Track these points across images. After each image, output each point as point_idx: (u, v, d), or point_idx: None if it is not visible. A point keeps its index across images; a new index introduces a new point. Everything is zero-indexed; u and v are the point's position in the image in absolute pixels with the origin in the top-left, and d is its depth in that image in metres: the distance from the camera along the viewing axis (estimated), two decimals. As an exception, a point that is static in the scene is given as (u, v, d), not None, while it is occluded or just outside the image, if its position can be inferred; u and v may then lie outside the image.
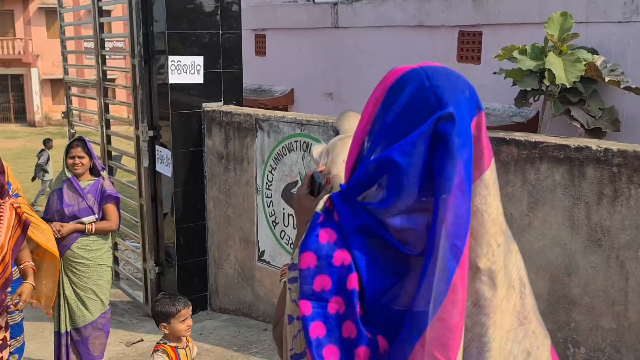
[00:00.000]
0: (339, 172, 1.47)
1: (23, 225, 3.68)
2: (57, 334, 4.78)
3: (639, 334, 3.61)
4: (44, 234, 4.37)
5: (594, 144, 3.72)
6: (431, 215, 1.16)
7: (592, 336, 3.77)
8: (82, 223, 4.61)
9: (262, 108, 8.04)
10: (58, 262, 4.45)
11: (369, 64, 7.99)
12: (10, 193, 4.36)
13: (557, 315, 3.89)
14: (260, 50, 10.14)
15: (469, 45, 6.92)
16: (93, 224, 4.61)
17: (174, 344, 3.43)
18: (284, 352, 1.28)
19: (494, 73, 5.59)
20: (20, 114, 34.38)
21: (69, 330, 4.74)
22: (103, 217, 4.71)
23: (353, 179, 1.25)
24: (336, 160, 1.52)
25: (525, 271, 1.31)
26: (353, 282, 1.18)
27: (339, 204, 1.24)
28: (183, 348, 3.47)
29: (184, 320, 3.41)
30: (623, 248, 3.60)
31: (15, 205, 3.71)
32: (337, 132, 1.63)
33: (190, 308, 3.50)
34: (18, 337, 4.57)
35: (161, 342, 3.46)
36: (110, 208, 4.70)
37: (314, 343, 1.17)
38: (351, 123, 1.57)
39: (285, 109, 9.20)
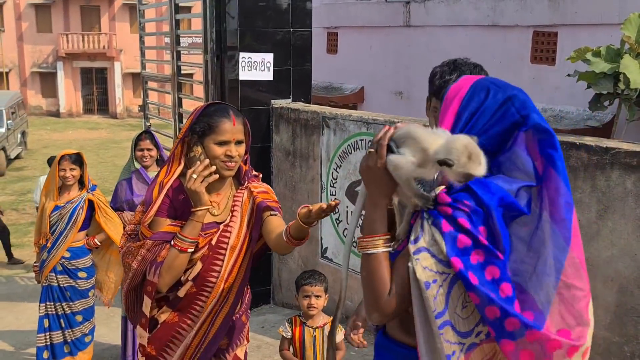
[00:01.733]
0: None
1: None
2: (125, 319, 4.97)
3: None
4: (116, 228, 4.60)
5: (669, 151, 3.56)
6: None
7: (661, 352, 3.62)
8: None
9: (331, 105, 8.09)
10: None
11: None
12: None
13: (625, 328, 3.76)
14: (332, 47, 10.19)
15: (544, 45, 6.73)
16: None
17: (305, 320, 3.54)
18: (426, 315, 1.54)
19: (568, 75, 5.43)
20: (103, 106, 35.80)
21: None
22: None
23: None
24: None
25: None
26: (483, 239, 1.51)
27: (481, 185, 1.55)
28: (312, 327, 3.54)
29: (307, 297, 3.49)
30: (697, 261, 3.44)
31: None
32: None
33: (319, 287, 3.54)
34: (91, 319, 4.79)
35: (297, 314, 3.61)
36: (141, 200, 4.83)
37: (478, 289, 1.48)
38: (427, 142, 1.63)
39: (355, 107, 9.22)
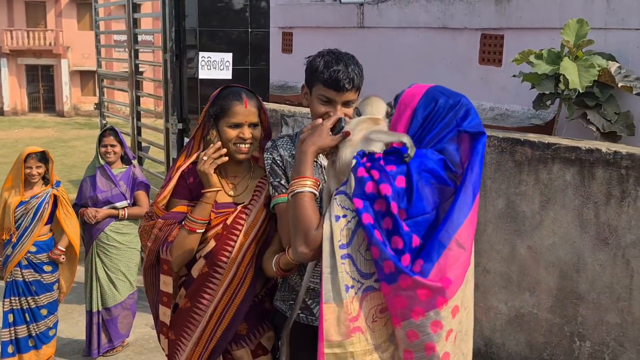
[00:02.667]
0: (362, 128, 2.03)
1: None
2: (89, 313, 5.06)
3: (642, 329, 3.77)
4: (74, 226, 4.72)
5: (604, 146, 3.87)
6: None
7: (598, 331, 3.93)
8: (115, 208, 4.89)
9: (287, 104, 8.24)
10: (76, 255, 4.83)
11: (393, 64, 8.16)
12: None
13: (565, 310, 4.06)
14: (287, 47, 10.36)
15: (491, 48, 7.06)
16: (126, 209, 4.89)
17: None
18: (332, 246, 1.79)
19: (514, 76, 5.74)
20: (50, 104, 35.04)
21: (100, 309, 5.01)
22: (134, 203, 4.97)
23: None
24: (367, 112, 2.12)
25: None
26: (386, 190, 1.75)
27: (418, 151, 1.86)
28: None
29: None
30: (629, 247, 3.75)
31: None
32: (359, 115, 2.06)
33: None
34: (55, 313, 4.86)
35: None
36: (142, 194, 4.97)
37: (367, 226, 1.72)
38: (374, 107, 2.06)
39: (309, 105, 9.38)
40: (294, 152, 2.37)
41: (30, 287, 4.64)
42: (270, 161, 2.39)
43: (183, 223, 2.36)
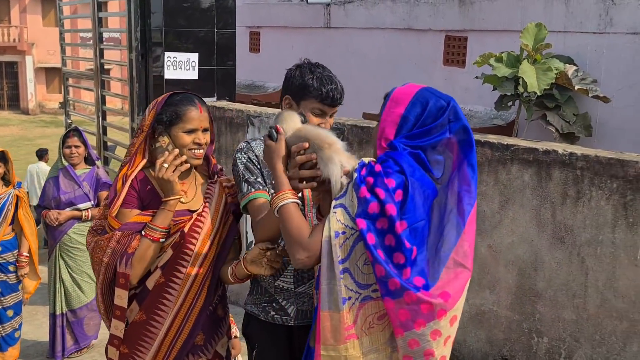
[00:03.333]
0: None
1: None
2: (53, 316, 5.01)
3: (596, 325, 3.89)
4: (31, 228, 4.70)
5: (560, 147, 3.98)
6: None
7: (555, 327, 4.05)
8: (78, 210, 4.86)
9: (254, 104, 8.27)
10: (35, 257, 4.81)
11: (359, 64, 8.24)
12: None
13: (524, 307, 4.16)
14: (255, 47, 10.38)
15: (455, 49, 7.19)
16: (89, 210, 4.86)
17: None
18: (332, 261, 1.87)
19: (476, 77, 5.85)
20: (14, 102, 34.43)
21: (64, 311, 4.98)
22: (98, 204, 4.95)
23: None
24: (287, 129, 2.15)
25: None
26: (391, 210, 1.81)
27: (406, 160, 1.90)
28: None
29: None
30: (584, 245, 3.87)
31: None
32: (276, 131, 2.12)
33: None
34: (20, 314, 4.83)
35: None
36: (105, 195, 4.94)
37: (371, 247, 1.80)
38: (290, 122, 2.13)
39: (277, 105, 9.44)
40: None
41: None
42: (245, 160, 2.46)
43: (144, 233, 2.32)
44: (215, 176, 2.54)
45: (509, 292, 4.23)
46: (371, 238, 1.81)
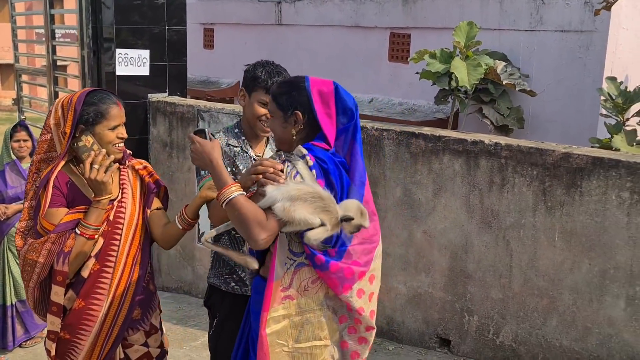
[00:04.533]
0: None
1: None
2: (3, 307, 5.09)
3: (520, 302, 4.19)
4: None
5: (487, 138, 4.26)
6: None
7: (484, 306, 4.34)
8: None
9: (208, 99, 8.41)
10: None
11: (310, 61, 8.46)
12: None
13: (456, 288, 4.44)
14: (209, 43, 10.51)
15: (399, 46, 7.46)
16: None
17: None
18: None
19: (416, 73, 6.12)
20: (-32, 99, 33.69)
21: (14, 302, 5.07)
22: None
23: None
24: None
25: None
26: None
27: (323, 154, 2.14)
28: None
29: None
30: (509, 229, 4.17)
31: None
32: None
33: None
34: None
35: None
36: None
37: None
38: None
39: (231, 100, 9.60)
40: (230, 142, 2.79)
41: None
42: None
43: (79, 232, 2.43)
44: (126, 161, 2.66)
45: (442, 275, 4.50)
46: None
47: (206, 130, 2.36)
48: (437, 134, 4.42)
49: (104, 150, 2.43)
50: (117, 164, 2.54)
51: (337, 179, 2.14)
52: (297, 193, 2.01)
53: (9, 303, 5.05)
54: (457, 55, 5.29)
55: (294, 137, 2.22)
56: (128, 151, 2.72)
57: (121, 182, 2.62)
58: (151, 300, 2.74)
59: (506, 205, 4.16)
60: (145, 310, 2.69)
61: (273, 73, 2.73)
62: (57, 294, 2.48)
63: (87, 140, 2.46)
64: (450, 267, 4.46)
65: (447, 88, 5.43)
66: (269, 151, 2.94)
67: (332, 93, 2.20)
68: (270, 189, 2.04)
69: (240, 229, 2.09)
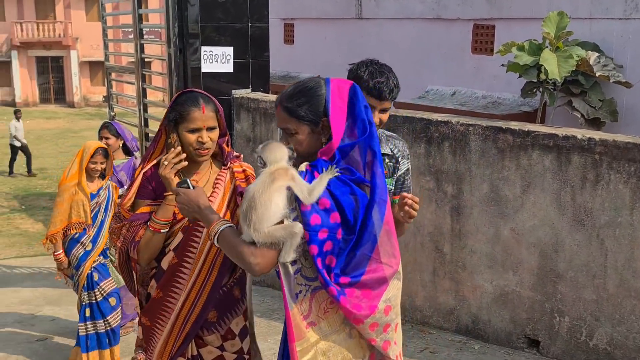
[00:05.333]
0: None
1: None
2: None
3: (615, 304, 4.01)
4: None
5: (579, 133, 4.10)
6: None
7: (575, 307, 4.18)
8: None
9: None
10: None
11: (391, 54, 8.37)
12: None
13: (545, 288, 4.31)
14: (289, 38, 10.59)
15: (483, 37, 7.27)
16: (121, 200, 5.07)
17: None
18: (286, 266, 2.00)
19: (502, 65, 5.95)
20: (60, 95, 35.38)
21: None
22: None
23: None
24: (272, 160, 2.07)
25: None
26: (335, 218, 1.96)
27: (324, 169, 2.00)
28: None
29: None
30: (603, 227, 4.00)
31: None
32: (264, 163, 2.05)
33: None
34: (109, 278, 4.72)
35: None
36: None
37: (319, 255, 1.94)
38: (276, 154, 2.05)
39: (311, 95, 9.64)
40: None
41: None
42: None
43: (148, 224, 2.51)
44: (229, 163, 2.66)
45: (531, 274, 4.37)
46: (314, 249, 1.95)
47: (188, 180, 2.34)
48: (526, 129, 4.28)
49: (178, 148, 2.46)
50: (185, 164, 2.47)
51: (347, 197, 2.00)
52: (261, 216, 1.97)
53: None
54: (547, 46, 5.10)
55: (323, 144, 2.08)
56: (236, 153, 2.72)
57: (215, 182, 2.61)
58: (232, 305, 2.71)
59: (600, 203, 3.99)
60: (223, 314, 2.68)
61: (376, 73, 2.61)
62: (135, 280, 2.64)
63: (172, 137, 2.52)
64: (539, 265, 4.32)
65: (534, 80, 5.25)
66: None
67: (348, 91, 2.06)
68: (244, 228, 2.00)
69: (233, 259, 2.07)
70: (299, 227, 1.94)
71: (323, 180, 1.96)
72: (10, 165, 17.72)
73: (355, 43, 8.87)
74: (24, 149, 17.84)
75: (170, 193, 2.46)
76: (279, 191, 1.97)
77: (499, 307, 4.56)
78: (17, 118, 18.13)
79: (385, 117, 2.67)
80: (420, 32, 8.05)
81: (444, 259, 4.80)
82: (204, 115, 2.50)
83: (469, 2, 7.28)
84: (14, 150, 17.81)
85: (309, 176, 1.99)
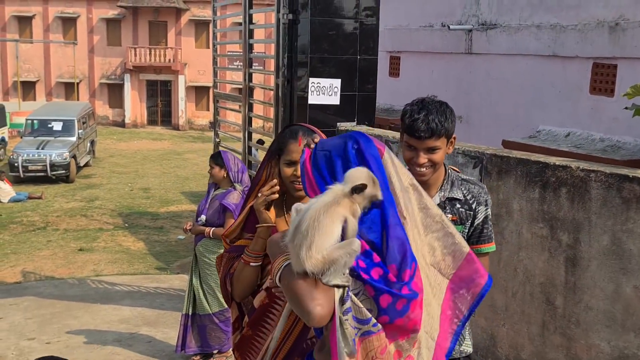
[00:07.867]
0: None
1: None
2: (183, 315, 5.43)
3: None
4: None
5: None
6: None
7: None
8: (203, 225, 5.28)
9: (392, 128, 8.38)
10: None
11: (500, 91, 8.13)
12: None
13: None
14: (394, 71, 10.52)
15: (603, 77, 6.90)
16: (210, 229, 5.21)
17: None
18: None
19: (625, 108, 5.60)
20: (166, 118, 36.96)
21: (189, 313, 5.35)
22: (223, 225, 5.22)
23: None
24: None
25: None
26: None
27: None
28: None
29: None
30: None
31: None
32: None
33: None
34: None
35: None
36: (226, 217, 5.20)
37: (369, 282, 1.82)
38: (356, 174, 1.89)
39: (414, 129, 9.50)
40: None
41: None
42: None
43: (241, 256, 2.48)
44: None
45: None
46: (365, 276, 1.82)
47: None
48: (656, 178, 3.94)
49: (274, 181, 2.43)
50: (276, 196, 2.42)
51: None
52: (323, 238, 1.74)
53: (184, 312, 5.38)
54: (682, 90, 4.73)
55: None
56: None
57: None
58: None
59: None
60: None
61: (417, 112, 2.57)
62: (234, 308, 2.59)
63: (274, 169, 2.52)
64: (668, 330, 3.93)
65: (665, 126, 4.87)
66: (437, 198, 2.70)
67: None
68: (294, 252, 1.80)
69: (291, 302, 1.86)
70: (357, 244, 1.74)
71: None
72: None
73: (463, 78, 8.67)
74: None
75: (261, 225, 2.41)
76: (340, 219, 1.77)
77: (617, 371, 4.19)
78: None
79: (437, 157, 2.52)
80: (533, 69, 7.75)
81: (555, 312, 4.48)
82: (301, 147, 2.40)
83: (589, 40, 6.95)
84: None
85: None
